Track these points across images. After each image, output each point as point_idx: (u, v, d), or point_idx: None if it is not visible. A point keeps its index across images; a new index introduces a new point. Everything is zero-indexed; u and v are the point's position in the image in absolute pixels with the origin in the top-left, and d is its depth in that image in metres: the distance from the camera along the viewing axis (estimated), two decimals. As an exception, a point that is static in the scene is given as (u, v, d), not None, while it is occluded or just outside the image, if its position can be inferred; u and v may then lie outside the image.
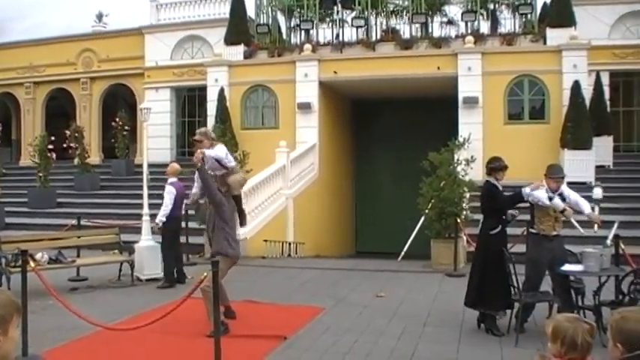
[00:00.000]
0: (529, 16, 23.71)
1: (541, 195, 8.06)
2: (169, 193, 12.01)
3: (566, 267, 7.92)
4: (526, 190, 8.21)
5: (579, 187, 18.69)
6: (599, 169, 20.05)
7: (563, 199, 8.15)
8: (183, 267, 12.55)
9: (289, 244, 18.38)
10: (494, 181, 8.38)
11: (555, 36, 21.33)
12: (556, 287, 8.25)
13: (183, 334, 8.25)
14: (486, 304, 8.22)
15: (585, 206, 8.36)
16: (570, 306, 7.98)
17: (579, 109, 19.81)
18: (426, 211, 14.30)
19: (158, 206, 12.26)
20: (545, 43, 21.87)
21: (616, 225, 8.69)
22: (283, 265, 14.88)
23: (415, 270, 13.68)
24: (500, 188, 8.42)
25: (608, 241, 8.27)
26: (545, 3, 23.80)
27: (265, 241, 16.62)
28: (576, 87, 19.90)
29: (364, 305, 10.02)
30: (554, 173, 8.35)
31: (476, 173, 14.69)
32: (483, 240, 8.41)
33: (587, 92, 20.59)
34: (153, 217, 12.67)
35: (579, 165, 19.39)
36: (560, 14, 21.55)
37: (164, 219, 11.91)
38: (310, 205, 21.02)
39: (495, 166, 8.42)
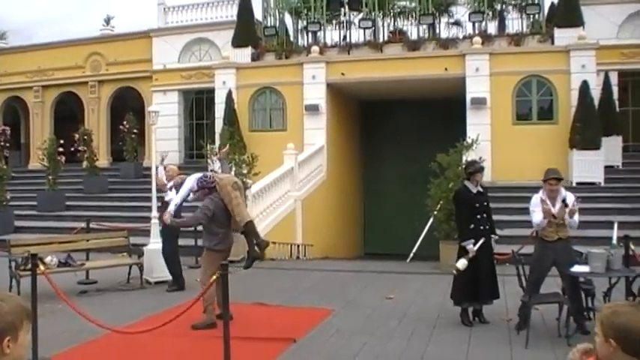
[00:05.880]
0: (536, 16, 23.65)
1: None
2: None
3: (575, 268, 7.89)
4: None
5: (588, 187, 18.79)
6: (608, 169, 19.98)
7: (567, 205, 8.08)
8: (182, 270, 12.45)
9: (298, 246, 18.38)
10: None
11: (563, 36, 21.26)
12: (566, 288, 8.22)
13: (193, 337, 8.27)
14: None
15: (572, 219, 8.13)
16: (579, 307, 7.97)
17: (588, 109, 19.73)
18: (435, 212, 14.29)
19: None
20: (553, 43, 21.81)
21: (616, 225, 8.64)
22: (292, 267, 14.90)
23: (424, 271, 13.65)
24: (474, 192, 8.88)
25: (614, 242, 8.21)
26: (552, 3, 23.71)
27: (274, 243, 16.57)
28: (585, 87, 19.82)
29: (373, 307, 10.00)
30: (546, 175, 8.24)
31: (484, 174, 14.62)
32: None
33: (596, 92, 20.52)
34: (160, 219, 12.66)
35: (588, 165, 19.36)
36: (568, 14, 21.46)
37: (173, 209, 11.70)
38: (318, 207, 21.02)
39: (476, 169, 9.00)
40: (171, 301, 10.37)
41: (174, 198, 10.59)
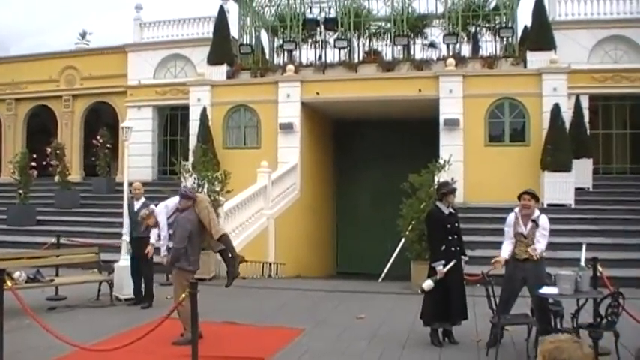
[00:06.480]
0: (510, 39, 23.91)
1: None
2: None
3: (543, 289, 7.96)
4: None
5: (559, 208, 18.97)
6: (579, 191, 20.20)
7: (537, 225, 8.24)
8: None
9: (270, 264, 18.33)
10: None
11: (535, 59, 21.54)
12: (535, 309, 8.30)
13: (161, 355, 8.19)
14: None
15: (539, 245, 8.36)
16: (547, 328, 8.03)
17: (559, 132, 19.99)
18: (407, 232, 14.34)
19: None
20: (525, 66, 22.05)
21: (584, 247, 8.72)
22: (263, 286, 14.83)
23: (395, 291, 13.67)
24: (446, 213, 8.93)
25: (582, 264, 8.29)
26: (525, 27, 24.05)
27: (245, 261, 16.50)
28: (556, 110, 20.11)
29: (344, 327, 9.99)
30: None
31: (456, 195, 14.71)
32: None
33: (567, 115, 20.76)
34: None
35: (559, 187, 19.57)
36: (541, 38, 21.79)
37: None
38: (291, 225, 21.00)
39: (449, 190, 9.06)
40: (141, 318, 10.30)
41: (162, 235, 10.48)
